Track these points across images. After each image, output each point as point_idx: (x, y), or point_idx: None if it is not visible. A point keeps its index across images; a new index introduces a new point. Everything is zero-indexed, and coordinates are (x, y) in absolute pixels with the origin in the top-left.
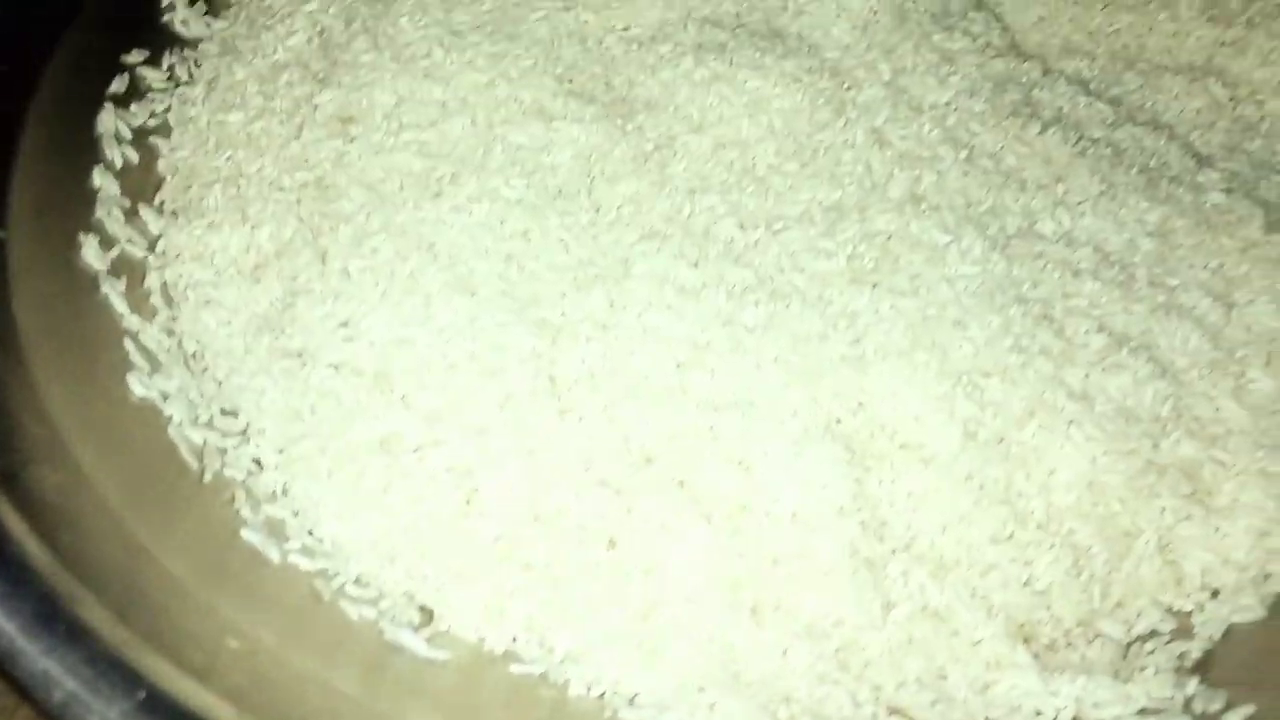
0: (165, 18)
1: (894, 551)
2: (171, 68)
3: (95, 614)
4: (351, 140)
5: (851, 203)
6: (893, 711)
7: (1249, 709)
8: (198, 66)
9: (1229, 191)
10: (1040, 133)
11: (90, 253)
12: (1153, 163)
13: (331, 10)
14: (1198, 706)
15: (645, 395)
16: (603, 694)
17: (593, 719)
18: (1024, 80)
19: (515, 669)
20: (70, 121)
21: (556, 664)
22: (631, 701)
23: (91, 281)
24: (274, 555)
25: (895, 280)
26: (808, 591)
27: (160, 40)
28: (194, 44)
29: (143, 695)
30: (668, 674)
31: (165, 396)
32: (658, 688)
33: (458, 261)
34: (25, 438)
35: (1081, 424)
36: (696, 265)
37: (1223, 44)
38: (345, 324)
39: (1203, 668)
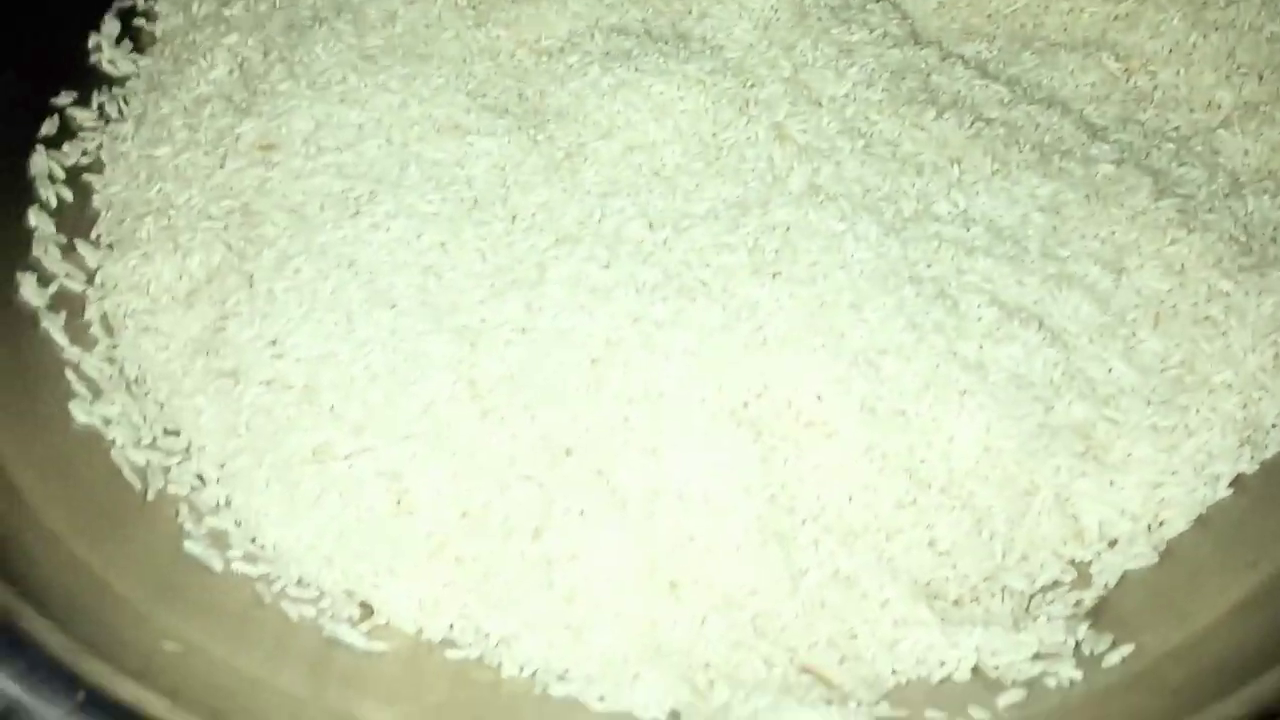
0: (93, 58)
1: (804, 522)
2: (101, 106)
3: (35, 625)
4: (273, 166)
5: (754, 197)
6: (803, 670)
7: (1128, 648)
8: (126, 104)
9: (1120, 162)
10: (936, 117)
11: (29, 290)
12: (1046, 139)
13: (250, 42)
14: (1086, 649)
15: (562, 392)
16: (534, 672)
17: (526, 696)
18: (922, 67)
19: (452, 654)
20: (3, 165)
21: (491, 648)
22: (561, 677)
23: (31, 317)
24: (217, 564)
25: (794, 269)
26: (722, 566)
27: (89, 80)
28: (122, 81)
29: (81, 697)
30: (594, 651)
31: (107, 421)
32: (585, 664)
33: (377, 276)
34: None
35: (975, 393)
36: (608, 266)
37: (1115, 18)
38: (274, 343)
39: (1096, 613)
